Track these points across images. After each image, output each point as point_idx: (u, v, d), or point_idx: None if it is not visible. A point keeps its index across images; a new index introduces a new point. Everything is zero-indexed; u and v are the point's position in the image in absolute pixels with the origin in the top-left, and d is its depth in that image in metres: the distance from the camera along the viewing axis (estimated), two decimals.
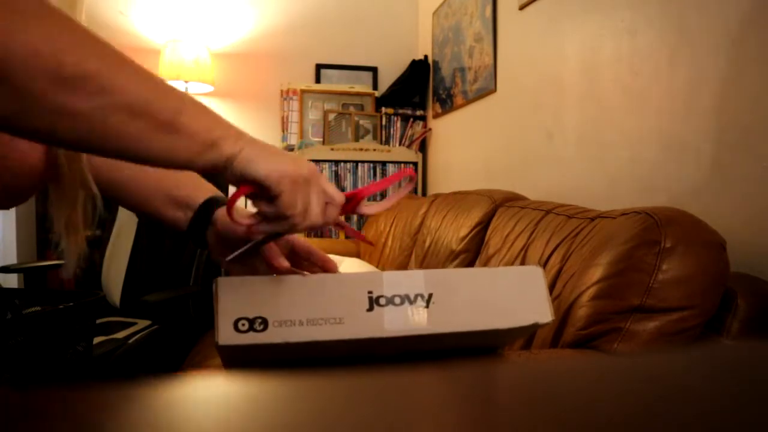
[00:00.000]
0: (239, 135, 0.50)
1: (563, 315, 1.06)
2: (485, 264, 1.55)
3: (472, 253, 1.70)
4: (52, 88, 0.40)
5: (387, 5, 3.20)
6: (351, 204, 0.59)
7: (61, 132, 0.42)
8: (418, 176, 3.06)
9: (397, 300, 0.54)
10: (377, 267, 2.36)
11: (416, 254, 2.06)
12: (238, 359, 0.57)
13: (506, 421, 0.17)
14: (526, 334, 0.63)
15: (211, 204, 0.67)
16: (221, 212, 0.65)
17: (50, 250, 2.81)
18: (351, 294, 0.54)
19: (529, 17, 2.00)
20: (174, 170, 0.58)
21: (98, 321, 1.73)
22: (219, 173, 0.50)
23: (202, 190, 0.69)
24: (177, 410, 0.18)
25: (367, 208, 0.62)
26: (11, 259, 2.40)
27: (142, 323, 1.78)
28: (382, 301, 0.54)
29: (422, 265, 1.96)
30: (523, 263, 1.35)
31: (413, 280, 0.56)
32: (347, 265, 2.32)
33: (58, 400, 0.18)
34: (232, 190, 0.54)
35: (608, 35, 1.57)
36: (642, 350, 0.87)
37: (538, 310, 0.57)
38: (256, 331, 0.51)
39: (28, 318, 0.92)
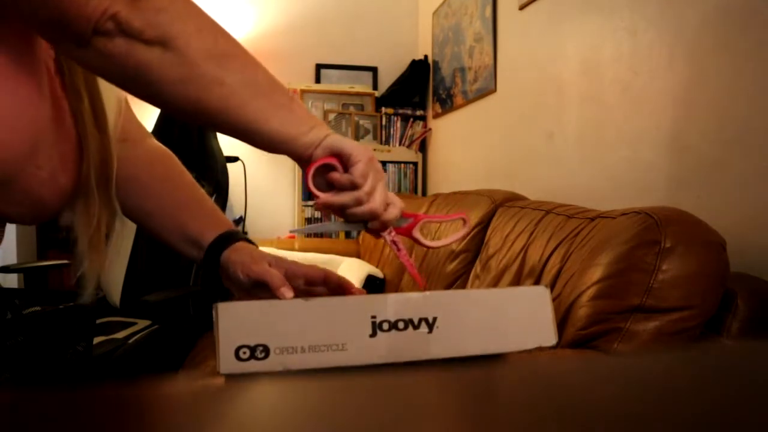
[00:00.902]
0: (324, 123, 0.59)
1: (563, 315, 1.06)
2: (485, 264, 1.55)
3: (472, 253, 1.70)
4: (209, 60, 0.50)
5: (387, 5, 3.20)
6: (410, 225, 0.62)
7: (207, 99, 0.51)
8: (418, 176, 3.06)
9: (401, 324, 0.54)
10: (377, 267, 2.37)
11: (416, 254, 2.06)
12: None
13: (506, 421, 0.17)
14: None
15: (217, 246, 0.67)
16: (227, 255, 0.66)
17: (51, 250, 2.82)
18: (354, 319, 0.53)
19: (529, 17, 2.00)
20: (187, 204, 0.69)
21: (98, 321, 1.73)
22: (303, 152, 0.56)
23: (210, 227, 0.69)
24: (177, 410, 0.18)
25: (424, 239, 0.64)
26: (11, 259, 2.40)
27: (142, 323, 1.78)
28: (385, 326, 0.53)
29: (422, 265, 1.96)
30: (523, 263, 1.35)
31: (417, 303, 0.55)
32: (347, 265, 2.33)
33: (58, 400, 0.18)
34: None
35: (608, 35, 1.57)
36: (642, 350, 0.87)
37: (543, 333, 0.56)
38: (257, 359, 0.50)
39: (28, 318, 0.92)
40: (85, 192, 0.65)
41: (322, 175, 0.58)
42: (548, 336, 0.56)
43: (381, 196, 0.57)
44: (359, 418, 0.17)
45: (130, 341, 1.61)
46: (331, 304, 0.55)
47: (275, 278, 0.60)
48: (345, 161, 0.57)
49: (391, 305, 0.54)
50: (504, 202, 1.71)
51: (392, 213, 0.59)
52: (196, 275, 1.90)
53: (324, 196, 0.57)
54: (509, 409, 0.18)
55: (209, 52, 0.50)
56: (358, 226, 0.60)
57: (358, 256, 2.62)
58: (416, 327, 0.54)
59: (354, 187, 0.56)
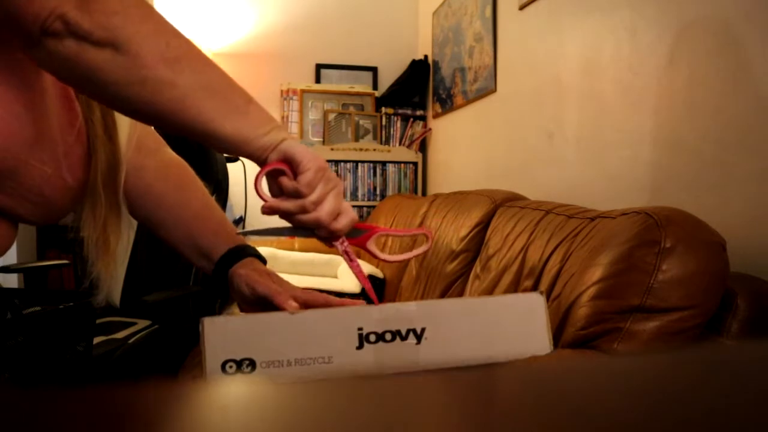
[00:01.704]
0: (283, 126, 0.60)
1: (563, 315, 1.06)
2: (485, 264, 1.55)
3: (472, 253, 1.70)
4: (161, 62, 0.50)
5: (387, 5, 3.20)
6: (364, 237, 0.60)
7: (159, 102, 0.51)
8: (418, 176, 3.06)
9: (388, 336, 0.53)
10: (377, 267, 2.36)
11: None
12: None
13: (506, 421, 0.17)
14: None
15: (227, 260, 0.69)
16: (235, 269, 0.67)
17: (51, 250, 2.81)
18: (340, 331, 0.53)
19: (529, 17, 2.00)
20: (199, 215, 0.70)
21: (98, 321, 1.73)
22: (260, 155, 0.57)
23: (221, 241, 0.70)
24: (177, 410, 0.18)
25: (380, 252, 0.64)
26: (11, 259, 2.40)
27: (142, 323, 1.78)
28: (372, 338, 0.53)
29: (422, 264, 1.96)
30: (523, 263, 1.35)
31: (405, 314, 0.54)
32: (345, 267, 2.32)
33: (58, 400, 0.18)
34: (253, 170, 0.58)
35: (608, 35, 1.57)
36: (642, 350, 0.87)
37: (537, 342, 0.55)
38: (243, 373, 0.51)
39: (28, 318, 0.92)
40: (92, 194, 0.66)
41: (275, 179, 0.58)
42: (542, 344, 0.55)
43: (330, 206, 0.57)
44: (359, 420, 0.17)
45: (130, 341, 1.61)
46: (316, 317, 0.54)
47: (280, 294, 0.61)
48: (295, 168, 0.57)
49: (378, 317, 0.53)
50: (504, 202, 1.71)
51: (341, 223, 0.59)
52: (196, 275, 1.90)
53: (270, 201, 0.57)
54: (508, 409, 0.18)
55: (162, 54, 0.51)
56: (306, 232, 0.59)
57: (358, 256, 2.62)
58: (404, 338, 0.53)
59: (300, 195, 0.56)
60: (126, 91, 0.50)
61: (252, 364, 0.51)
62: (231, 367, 0.51)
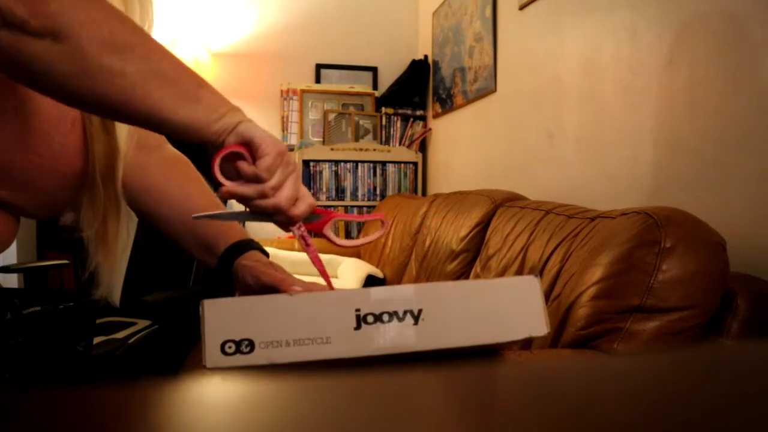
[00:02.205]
0: (238, 108, 0.58)
1: (563, 315, 1.06)
2: (485, 264, 1.56)
3: (472, 253, 1.70)
4: (105, 51, 0.48)
5: (387, 5, 3.20)
6: (321, 222, 0.60)
7: (108, 92, 0.49)
8: (418, 176, 3.06)
9: (386, 317, 0.53)
10: (377, 267, 2.36)
11: (416, 254, 2.06)
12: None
13: (506, 421, 0.17)
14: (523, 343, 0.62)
15: (230, 254, 0.69)
16: (239, 261, 0.68)
17: (51, 250, 2.81)
18: (338, 312, 0.53)
19: (529, 17, 2.00)
20: (201, 211, 0.66)
21: (98, 321, 1.73)
22: (215, 139, 0.55)
23: (224, 235, 0.71)
24: (177, 410, 0.18)
25: (336, 238, 0.64)
26: (11, 259, 2.40)
27: (142, 323, 1.78)
28: (370, 318, 0.53)
29: (422, 264, 1.96)
30: (523, 263, 1.35)
31: (402, 295, 0.55)
32: (347, 264, 2.32)
33: (58, 400, 0.18)
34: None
35: (608, 35, 1.57)
36: (642, 350, 0.87)
37: (533, 323, 0.56)
38: (242, 353, 0.51)
39: (28, 318, 0.92)
40: (91, 185, 0.66)
41: (232, 162, 0.56)
42: (539, 325, 0.56)
43: (289, 191, 0.56)
44: (358, 419, 0.17)
45: (130, 341, 1.61)
46: (315, 299, 0.55)
47: (284, 281, 0.61)
48: (254, 152, 0.55)
49: (375, 298, 0.54)
50: (504, 202, 1.71)
51: (300, 209, 0.58)
52: (196, 275, 1.90)
53: (228, 185, 0.56)
54: (509, 409, 0.18)
55: (105, 42, 0.48)
56: (264, 218, 0.59)
57: (358, 256, 2.62)
58: (401, 319, 0.54)
59: (259, 179, 0.55)
60: (72, 83, 0.48)
61: (251, 344, 0.52)
62: (230, 347, 0.51)
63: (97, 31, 0.48)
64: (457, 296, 0.56)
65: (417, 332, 0.54)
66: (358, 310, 0.54)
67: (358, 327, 0.53)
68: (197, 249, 0.72)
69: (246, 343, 0.51)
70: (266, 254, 0.70)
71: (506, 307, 0.56)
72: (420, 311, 0.54)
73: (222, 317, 0.53)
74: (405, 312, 0.54)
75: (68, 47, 0.46)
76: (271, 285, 0.62)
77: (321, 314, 0.53)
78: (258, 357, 0.51)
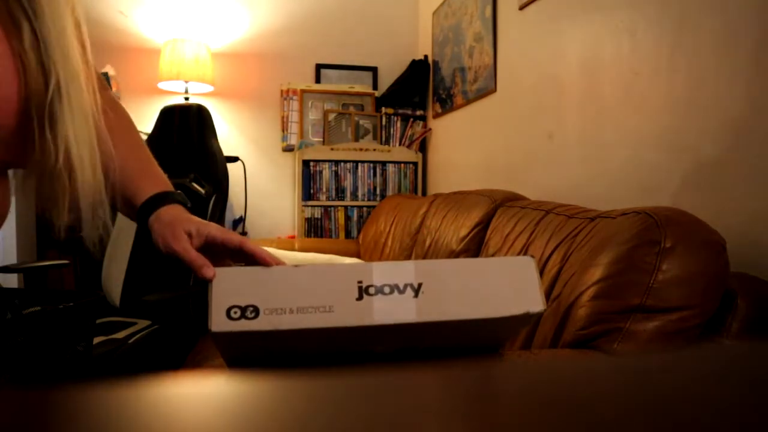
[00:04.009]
0: None
1: (563, 315, 1.06)
2: None
3: (472, 253, 1.70)
4: None
5: (387, 5, 3.20)
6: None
7: None
8: (418, 176, 3.06)
9: (387, 289, 0.55)
10: None
11: (416, 254, 2.06)
12: (234, 348, 0.59)
13: (506, 421, 0.17)
14: (522, 326, 0.63)
15: (145, 210, 0.65)
16: (152, 223, 0.64)
17: (51, 250, 2.81)
18: (340, 283, 0.55)
19: (529, 17, 2.00)
20: (129, 159, 0.64)
21: (98, 321, 1.73)
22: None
23: (145, 185, 0.65)
24: (177, 410, 0.18)
25: None
26: (11, 259, 2.40)
27: (142, 323, 1.77)
28: (372, 290, 0.55)
29: None
30: None
31: (403, 270, 0.56)
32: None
33: (58, 400, 0.18)
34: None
35: (608, 35, 1.57)
36: (642, 350, 0.87)
37: (530, 299, 0.57)
38: (247, 318, 0.53)
39: (28, 318, 0.92)
40: (26, 120, 0.55)
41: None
42: (535, 302, 0.57)
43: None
44: (358, 418, 0.17)
45: (130, 341, 1.61)
46: (319, 271, 0.57)
47: (196, 259, 0.59)
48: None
49: (377, 272, 0.56)
50: (504, 202, 1.71)
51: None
52: (196, 275, 1.89)
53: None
54: (509, 409, 0.18)
55: None
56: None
57: (358, 255, 2.62)
58: (402, 292, 0.55)
59: None
60: None
61: (256, 310, 0.53)
62: (236, 312, 0.53)
63: None
64: (457, 272, 0.58)
65: (417, 305, 0.55)
66: (360, 282, 0.55)
67: (360, 298, 0.55)
68: (121, 204, 0.66)
69: (251, 309, 0.53)
70: (187, 206, 0.66)
71: (504, 284, 0.58)
72: (420, 285, 0.56)
73: (229, 284, 0.55)
74: (405, 285, 0.56)
75: None
76: (179, 257, 0.60)
77: (325, 285, 0.55)
78: (262, 323, 0.53)
